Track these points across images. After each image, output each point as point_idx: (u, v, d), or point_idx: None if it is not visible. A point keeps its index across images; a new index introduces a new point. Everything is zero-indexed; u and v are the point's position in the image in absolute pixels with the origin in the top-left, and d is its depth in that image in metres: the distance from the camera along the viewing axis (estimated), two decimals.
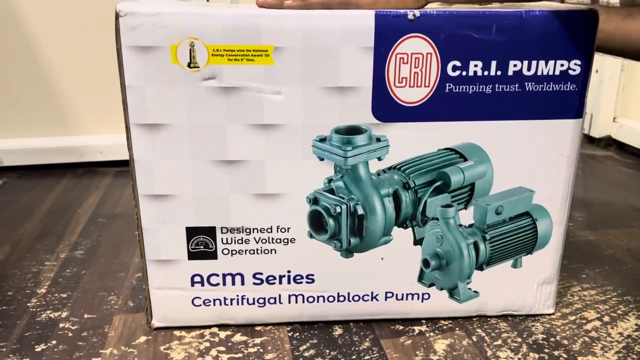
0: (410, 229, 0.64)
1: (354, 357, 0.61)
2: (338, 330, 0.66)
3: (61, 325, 0.67)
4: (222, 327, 0.66)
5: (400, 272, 0.66)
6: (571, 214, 1.01)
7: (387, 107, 0.59)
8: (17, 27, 1.21)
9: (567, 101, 0.60)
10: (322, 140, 0.60)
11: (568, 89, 0.60)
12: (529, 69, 0.59)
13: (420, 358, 0.61)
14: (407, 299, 0.67)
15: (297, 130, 0.59)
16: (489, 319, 0.68)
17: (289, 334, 0.65)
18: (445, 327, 0.67)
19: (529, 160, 0.63)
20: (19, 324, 0.67)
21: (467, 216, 0.65)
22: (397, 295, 0.67)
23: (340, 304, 0.66)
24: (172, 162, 0.60)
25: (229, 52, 0.56)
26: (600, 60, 1.46)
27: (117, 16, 0.55)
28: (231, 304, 0.66)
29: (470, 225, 0.65)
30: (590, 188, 1.18)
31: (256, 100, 0.58)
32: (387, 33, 0.56)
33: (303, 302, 0.66)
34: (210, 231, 0.62)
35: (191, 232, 0.62)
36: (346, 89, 0.58)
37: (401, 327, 0.67)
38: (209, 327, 0.66)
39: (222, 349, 0.62)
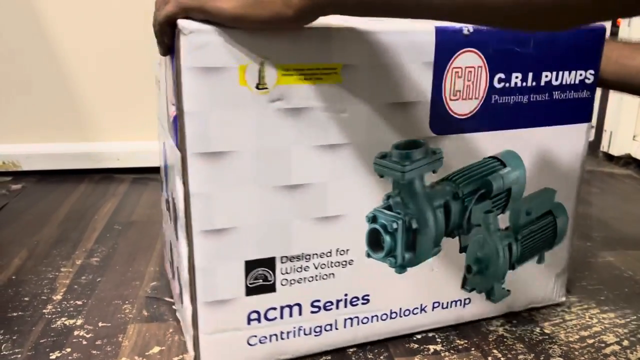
0: (456, 238, 0.66)
1: None
2: (352, 349, 0.65)
3: (76, 332, 0.67)
4: None
5: (447, 281, 0.67)
6: (590, 234, 1.00)
7: (442, 120, 0.60)
8: (40, 34, 1.23)
9: (583, 107, 0.67)
10: (383, 157, 0.59)
11: (584, 96, 0.67)
12: (556, 79, 0.64)
13: None
14: (451, 306, 0.68)
15: (359, 149, 0.58)
16: (505, 339, 0.67)
17: None
18: (460, 346, 0.66)
19: (552, 162, 0.68)
20: (34, 330, 0.67)
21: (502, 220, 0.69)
22: (443, 304, 0.68)
23: (392, 321, 0.66)
24: (234, 191, 0.54)
25: (299, 71, 0.53)
26: None
27: (177, 34, 0.50)
28: (287, 338, 0.61)
29: (507, 228, 0.68)
30: (609, 207, 1.16)
31: (322, 120, 0.55)
32: (446, 48, 0.58)
33: (358, 324, 0.64)
34: (270, 262, 0.58)
35: (250, 265, 0.57)
36: (407, 105, 0.58)
37: (416, 346, 0.66)
38: None
39: None
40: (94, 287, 0.78)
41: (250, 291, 0.58)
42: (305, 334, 0.62)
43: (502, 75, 0.62)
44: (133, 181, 1.27)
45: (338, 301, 0.62)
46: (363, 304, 0.63)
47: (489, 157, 0.64)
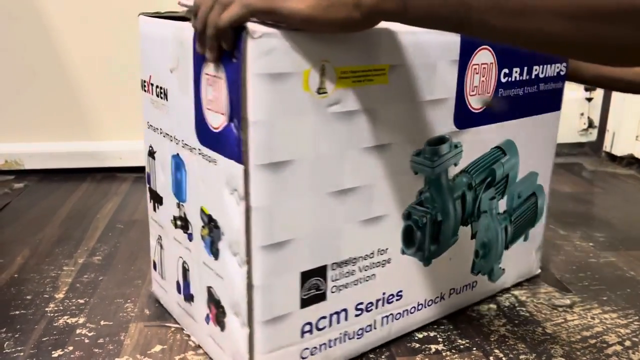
0: (469, 226, 0.70)
1: None
2: None
3: (78, 331, 0.67)
4: None
5: (460, 267, 0.71)
6: (592, 234, 1.00)
7: (464, 115, 0.64)
8: (43, 33, 1.24)
9: (557, 96, 0.75)
10: (418, 154, 0.61)
11: (559, 86, 0.74)
12: (542, 71, 0.71)
13: None
14: (463, 290, 0.72)
15: (400, 148, 0.59)
16: (507, 339, 0.67)
17: None
18: (462, 346, 0.66)
19: (535, 148, 0.75)
20: (37, 328, 0.67)
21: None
22: (457, 289, 0.71)
23: (419, 313, 0.68)
24: (292, 202, 0.52)
25: (354, 73, 0.52)
26: None
27: (243, 38, 0.46)
28: (334, 345, 0.60)
29: (504, 212, 0.73)
30: (612, 207, 1.16)
31: (371, 122, 0.55)
32: (468, 46, 0.61)
33: (392, 321, 0.65)
34: (322, 271, 0.56)
35: (305, 276, 0.55)
36: (438, 101, 0.60)
37: (417, 345, 0.66)
38: None
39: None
40: (96, 286, 0.78)
41: (305, 303, 0.56)
42: (349, 339, 0.61)
43: (507, 70, 0.67)
44: (135, 180, 1.27)
45: (377, 301, 0.63)
46: (397, 300, 0.64)
47: (495, 147, 0.69)
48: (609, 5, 0.34)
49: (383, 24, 0.50)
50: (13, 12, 1.21)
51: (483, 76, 0.64)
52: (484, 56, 0.63)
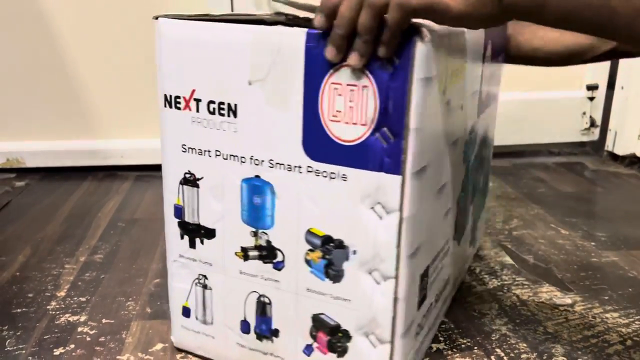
0: None
1: None
2: None
3: (79, 329, 0.67)
4: None
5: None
6: (594, 234, 1.00)
7: None
8: (45, 31, 1.24)
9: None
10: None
11: None
12: None
13: None
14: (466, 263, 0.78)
15: (461, 141, 0.62)
16: (508, 338, 0.67)
17: None
18: (463, 345, 0.66)
19: None
20: (38, 326, 0.68)
21: None
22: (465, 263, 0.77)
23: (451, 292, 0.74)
24: (424, 207, 0.51)
25: (455, 72, 0.53)
26: (627, 77, 1.44)
27: (414, 42, 0.44)
28: (426, 342, 0.64)
29: None
30: (614, 207, 1.16)
31: (460, 117, 0.58)
32: None
33: (444, 306, 0.72)
34: (427, 271, 0.57)
35: (422, 279, 0.56)
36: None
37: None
38: None
39: None
40: (98, 284, 0.78)
41: (419, 305, 0.56)
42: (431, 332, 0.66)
43: None
44: (136, 178, 1.27)
45: (441, 291, 0.65)
46: (447, 285, 0.68)
47: None
48: None
49: None
50: (14, 10, 1.22)
51: None
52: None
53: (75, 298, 0.74)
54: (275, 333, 0.57)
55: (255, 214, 0.54)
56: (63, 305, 0.72)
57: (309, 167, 0.50)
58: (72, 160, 1.30)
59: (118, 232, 0.96)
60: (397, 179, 0.47)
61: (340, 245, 0.51)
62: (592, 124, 1.55)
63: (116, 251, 0.89)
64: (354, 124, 0.47)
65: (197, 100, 0.52)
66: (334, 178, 0.49)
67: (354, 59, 0.45)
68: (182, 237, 0.58)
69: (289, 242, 0.53)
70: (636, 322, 0.72)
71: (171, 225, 0.58)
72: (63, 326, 0.68)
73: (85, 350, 0.63)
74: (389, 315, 0.51)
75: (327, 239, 0.51)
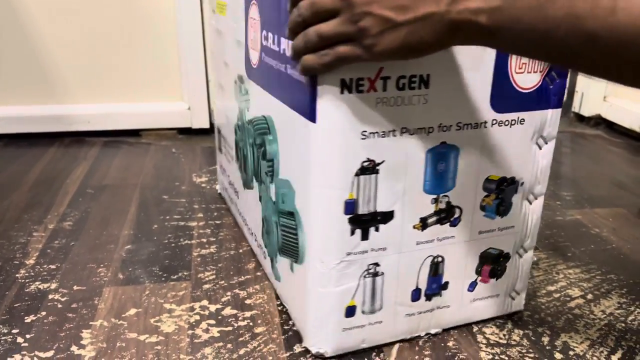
0: (256, 183, 0.71)
1: None
2: None
3: (50, 296, 0.67)
4: (211, 300, 0.67)
5: (258, 218, 0.71)
6: (559, 192, 1.03)
7: (248, 65, 0.67)
8: None
9: (300, 94, 0.51)
10: (235, 82, 0.74)
11: (298, 78, 0.51)
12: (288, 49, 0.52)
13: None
14: (260, 247, 0.73)
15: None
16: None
17: (279, 308, 0.66)
18: None
19: (289, 152, 0.57)
20: (8, 295, 0.67)
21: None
22: (255, 235, 0.74)
23: (245, 226, 0.81)
24: None
25: None
26: None
27: None
28: None
29: (274, 203, 0.63)
30: (579, 167, 1.19)
31: None
32: None
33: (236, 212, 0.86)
34: None
35: None
36: (238, 43, 0.70)
37: None
38: (199, 300, 0.67)
39: (212, 322, 0.63)
40: (68, 251, 0.77)
41: None
42: None
43: (266, 33, 0.58)
44: (104, 144, 1.25)
45: (230, 184, 0.87)
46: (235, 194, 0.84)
47: (262, 115, 0.63)
48: None
49: None
50: None
51: (255, 31, 0.62)
52: (253, 11, 0.62)
53: (45, 266, 0.73)
54: (445, 286, 0.61)
55: (439, 180, 0.56)
56: (32, 273, 0.72)
57: (493, 120, 0.55)
58: (37, 126, 1.27)
59: (87, 199, 0.95)
60: (558, 111, 0.58)
61: (512, 182, 0.59)
62: None
63: (86, 218, 0.88)
64: (534, 72, 0.55)
65: (385, 79, 0.50)
66: (514, 124, 0.56)
67: None
68: (352, 234, 0.54)
69: (467, 196, 0.58)
70: (597, 277, 0.75)
71: (337, 226, 0.53)
72: (33, 294, 0.67)
73: (57, 317, 0.63)
74: (537, 227, 0.62)
75: (501, 181, 0.59)
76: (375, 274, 0.56)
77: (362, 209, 0.53)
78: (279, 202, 0.61)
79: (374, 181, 0.53)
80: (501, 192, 0.59)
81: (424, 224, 0.57)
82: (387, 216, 0.55)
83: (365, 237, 0.54)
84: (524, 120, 0.56)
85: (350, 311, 0.57)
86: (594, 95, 1.50)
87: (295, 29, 0.47)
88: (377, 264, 0.56)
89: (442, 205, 0.56)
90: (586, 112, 1.52)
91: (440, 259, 0.59)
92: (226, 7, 0.75)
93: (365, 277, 0.56)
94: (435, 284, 0.60)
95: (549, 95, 0.57)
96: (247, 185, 0.75)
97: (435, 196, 0.56)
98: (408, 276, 0.58)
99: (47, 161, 1.13)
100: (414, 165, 0.54)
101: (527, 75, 0.55)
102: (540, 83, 0.56)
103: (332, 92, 0.48)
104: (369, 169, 0.52)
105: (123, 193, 0.97)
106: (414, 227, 0.56)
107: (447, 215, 0.57)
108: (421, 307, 0.60)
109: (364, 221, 0.54)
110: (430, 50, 0.44)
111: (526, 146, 0.58)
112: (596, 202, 1.00)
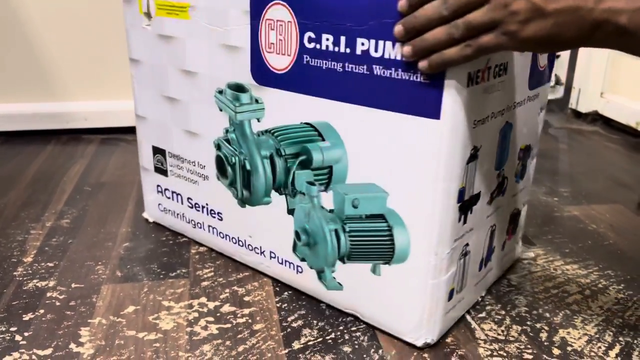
0: (284, 197, 0.65)
1: (341, 327, 0.62)
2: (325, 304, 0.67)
3: (49, 294, 0.67)
4: (210, 297, 0.67)
5: (281, 237, 0.67)
6: (556, 189, 1.03)
7: (261, 71, 0.62)
8: None
9: (419, 95, 0.50)
10: (220, 92, 0.66)
11: (418, 79, 0.50)
12: (376, 49, 0.51)
13: None
14: (286, 265, 0.68)
15: (204, 79, 0.68)
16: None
17: (277, 305, 0.66)
18: None
19: (378, 155, 0.55)
20: (6, 292, 0.67)
21: (328, 200, 0.62)
22: (277, 257, 0.69)
23: (239, 248, 0.73)
24: None
25: (164, 6, 0.68)
26: None
27: None
28: (177, 217, 0.80)
29: (331, 211, 0.60)
30: (576, 163, 1.19)
31: (181, 49, 0.69)
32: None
33: (217, 234, 0.75)
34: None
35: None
36: (233, 48, 0.63)
37: None
38: (198, 297, 0.67)
39: (211, 319, 0.63)
40: (66, 249, 0.77)
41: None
42: (183, 221, 0.79)
43: (312, 35, 0.55)
44: (102, 142, 1.24)
45: (202, 207, 0.75)
46: (219, 219, 0.74)
47: (306, 123, 0.59)
48: None
49: None
50: None
51: (281, 34, 0.57)
52: (278, 12, 0.57)
53: (43, 263, 0.73)
54: (493, 250, 0.68)
55: (502, 156, 0.62)
56: (30, 271, 0.71)
57: (528, 96, 0.64)
58: (34, 124, 1.26)
59: (85, 197, 0.94)
60: (549, 84, 0.70)
61: (529, 148, 0.69)
62: (557, 82, 1.58)
63: (83, 215, 0.87)
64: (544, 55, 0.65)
65: (489, 69, 0.53)
66: (535, 99, 0.66)
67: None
68: (459, 220, 0.56)
69: (510, 167, 0.65)
70: (594, 273, 0.75)
71: (452, 215, 0.54)
72: (31, 292, 0.67)
73: (55, 315, 0.63)
74: (530, 181, 0.74)
75: (527, 148, 0.68)
76: (466, 254, 0.61)
77: (467, 195, 0.57)
78: (344, 209, 0.58)
79: (475, 167, 0.56)
80: (524, 159, 0.68)
81: (491, 198, 0.63)
82: (477, 198, 0.59)
83: (465, 221, 0.58)
84: (538, 95, 0.67)
85: (450, 294, 0.60)
86: (591, 91, 1.50)
87: (432, 23, 0.46)
88: (467, 244, 0.60)
89: (500, 179, 0.63)
90: (583, 108, 1.52)
91: (494, 227, 0.66)
92: (191, 9, 0.65)
93: (460, 259, 0.59)
94: (489, 251, 0.67)
95: (550, 71, 0.69)
96: (249, 202, 0.68)
97: (499, 171, 0.63)
98: (479, 248, 0.64)
99: (44, 159, 1.13)
100: (493, 145, 0.59)
101: (544, 56, 0.65)
102: (547, 62, 0.67)
103: (458, 87, 0.49)
104: (474, 156, 0.55)
105: (121, 190, 0.97)
106: (487, 203, 0.62)
107: (503, 186, 0.65)
108: (482, 275, 0.67)
109: (467, 206, 0.57)
110: (567, 46, 0.46)
111: (536, 116, 0.68)
112: (593, 198, 1.00)
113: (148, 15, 0.70)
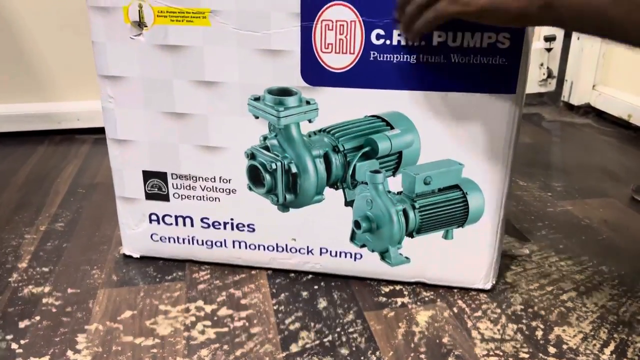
0: (341, 191, 0.67)
1: (338, 329, 0.62)
2: (322, 303, 0.67)
3: (44, 300, 0.66)
4: (207, 301, 0.67)
5: (334, 230, 0.69)
6: (550, 183, 1.03)
7: (314, 72, 0.62)
8: None
9: (497, 75, 0.59)
10: (257, 99, 0.64)
11: (497, 62, 0.59)
12: (454, 40, 0.58)
13: (403, 330, 0.62)
14: (340, 256, 0.70)
15: (232, 88, 0.64)
16: (470, 290, 0.70)
17: (274, 307, 0.66)
18: (427, 298, 0.68)
19: (457, 133, 0.62)
20: (1, 299, 0.66)
21: (396, 183, 0.67)
22: (330, 252, 0.70)
23: (278, 254, 0.72)
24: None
25: (171, 13, 0.62)
26: None
27: None
28: (183, 243, 0.73)
29: (399, 193, 0.66)
30: (569, 156, 1.19)
31: (196, 58, 0.63)
32: (312, 1, 0.59)
33: (245, 248, 0.72)
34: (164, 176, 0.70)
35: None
36: (275, 52, 0.61)
37: (384, 299, 0.68)
38: (195, 300, 0.67)
39: (208, 323, 0.63)
40: (61, 253, 0.77)
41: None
42: (197, 244, 0.73)
43: (381, 32, 0.59)
44: (95, 142, 1.24)
45: (225, 223, 0.71)
46: (249, 231, 0.71)
47: (371, 115, 0.63)
48: None
49: None
50: None
51: (341, 33, 0.59)
52: (339, 12, 0.59)
53: (38, 269, 0.73)
54: None
55: None
56: (25, 277, 0.71)
57: None
58: (26, 125, 1.25)
59: (79, 198, 0.94)
60: None
61: None
62: (549, 75, 1.58)
63: (78, 218, 0.87)
64: None
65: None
66: None
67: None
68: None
69: None
70: (589, 269, 0.75)
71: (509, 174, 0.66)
72: (27, 298, 0.67)
73: (51, 322, 0.63)
74: None
75: None
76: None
77: None
78: (414, 188, 0.65)
79: None
80: None
81: None
82: None
83: None
84: None
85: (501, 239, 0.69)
86: (583, 84, 1.50)
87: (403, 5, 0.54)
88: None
89: None
90: (575, 101, 1.52)
91: None
92: (213, 14, 0.61)
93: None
94: None
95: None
96: (294, 205, 0.68)
97: None
98: None
99: (37, 160, 1.12)
100: None
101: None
102: None
103: (523, 65, 0.59)
104: None
105: (114, 191, 0.97)
106: None
107: None
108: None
109: None
110: (511, 20, 0.48)
111: None
112: (587, 192, 1.00)
113: (139, 24, 0.62)
